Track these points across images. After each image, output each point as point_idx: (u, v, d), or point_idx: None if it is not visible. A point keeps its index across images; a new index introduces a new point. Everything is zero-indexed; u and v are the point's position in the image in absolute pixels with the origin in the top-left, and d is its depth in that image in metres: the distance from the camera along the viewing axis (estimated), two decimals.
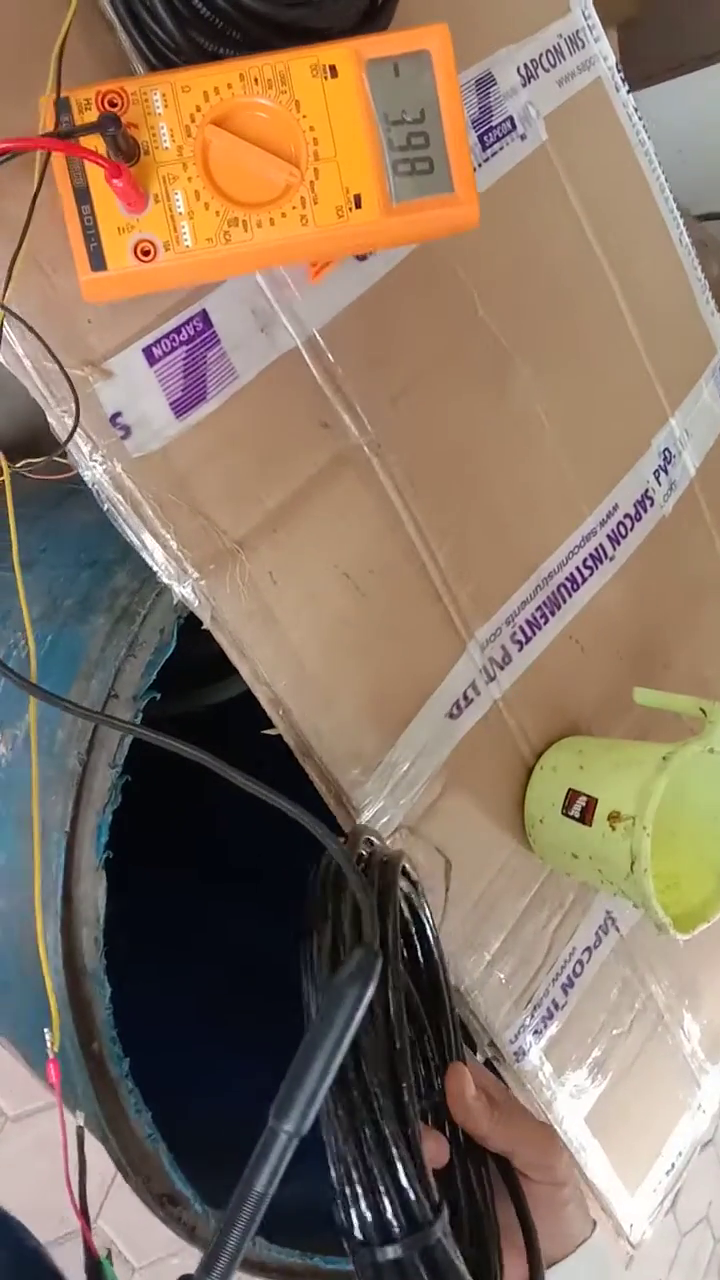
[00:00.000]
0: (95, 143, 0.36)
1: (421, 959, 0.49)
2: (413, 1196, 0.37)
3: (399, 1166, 0.37)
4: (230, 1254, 0.31)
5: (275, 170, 0.38)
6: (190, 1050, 0.59)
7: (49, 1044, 0.41)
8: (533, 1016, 0.63)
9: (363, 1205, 0.38)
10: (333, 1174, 0.38)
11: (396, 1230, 0.37)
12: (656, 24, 1.20)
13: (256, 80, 0.38)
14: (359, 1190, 0.38)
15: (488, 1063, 0.63)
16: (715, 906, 0.57)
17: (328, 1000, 0.34)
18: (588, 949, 0.66)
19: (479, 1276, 0.42)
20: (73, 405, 0.42)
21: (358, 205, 0.39)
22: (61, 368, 0.41)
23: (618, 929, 0.68)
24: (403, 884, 0.47)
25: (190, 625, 0.49)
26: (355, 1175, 0.38)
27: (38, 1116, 1.11)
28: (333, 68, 0.39)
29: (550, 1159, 0.48)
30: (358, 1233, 0.38)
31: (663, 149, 0.68)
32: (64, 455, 0.42)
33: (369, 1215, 0.38)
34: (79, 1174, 0.39)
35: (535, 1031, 0.63)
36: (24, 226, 0.37)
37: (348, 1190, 0.38)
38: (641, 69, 1.21)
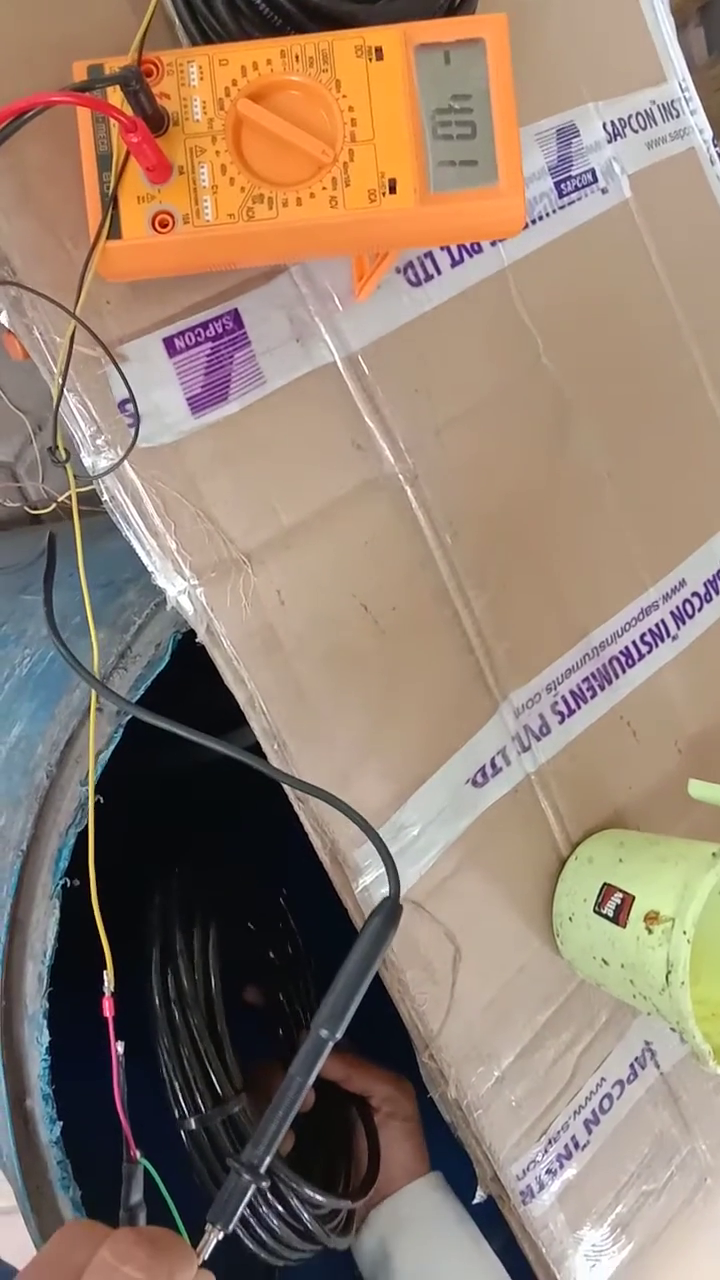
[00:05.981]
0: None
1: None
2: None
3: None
4: (274, 1132, 0.35)
5: (307, 147, 0.36)
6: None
7: None
8: (546, 1152, 0.54)
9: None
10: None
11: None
12: None
13: (298, 58, 0.37)
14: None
15: (489, 1201, 0.55)
16: None
17: (360, 937, 0.38)
18: (619, 1082, 0.57)
19: (331, 1182, 0.56)
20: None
21: (392, 190, 0.37)
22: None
23: (657, 1064, 0.59)
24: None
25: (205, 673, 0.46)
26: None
27: None
28: (379, 50, 0.37)
29: (401, 1095, 0.60)
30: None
31: None
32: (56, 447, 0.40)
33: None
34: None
35: (548, 1171, 0.54)
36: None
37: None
38: None
